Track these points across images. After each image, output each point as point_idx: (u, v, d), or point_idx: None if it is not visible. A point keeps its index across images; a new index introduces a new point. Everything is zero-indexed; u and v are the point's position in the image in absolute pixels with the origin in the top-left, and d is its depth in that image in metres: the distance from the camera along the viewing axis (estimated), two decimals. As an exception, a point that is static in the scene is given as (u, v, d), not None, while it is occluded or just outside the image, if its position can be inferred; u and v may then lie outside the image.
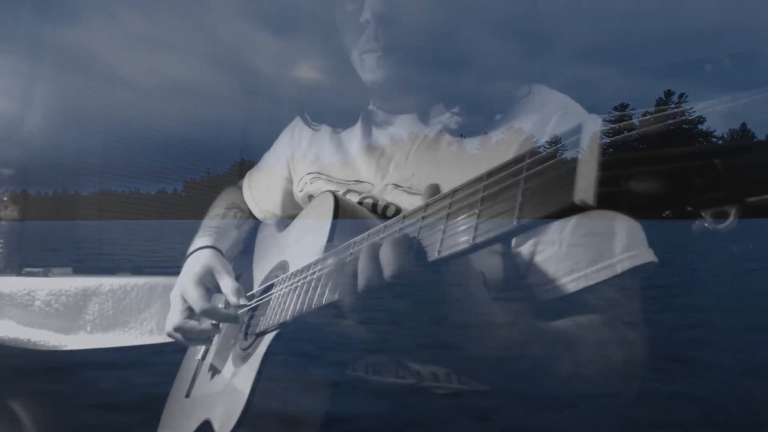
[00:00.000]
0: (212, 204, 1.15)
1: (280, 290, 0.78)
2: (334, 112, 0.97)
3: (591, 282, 0.74)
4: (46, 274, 1.60)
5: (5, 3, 1.85)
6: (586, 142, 0.38)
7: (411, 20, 0.82)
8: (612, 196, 0.36)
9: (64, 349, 1.41)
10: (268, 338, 0.75)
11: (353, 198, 0.86)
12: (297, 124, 1.04)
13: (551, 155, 0.41)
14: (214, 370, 0.90)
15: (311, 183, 0.94)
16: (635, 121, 0.38)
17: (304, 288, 0.69)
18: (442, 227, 0.50)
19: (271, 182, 1.06)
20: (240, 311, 0.87)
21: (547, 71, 0.86)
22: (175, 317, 0.91)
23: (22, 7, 1.86)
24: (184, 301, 0.91)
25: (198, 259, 0.95)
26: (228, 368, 0.85)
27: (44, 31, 1.88)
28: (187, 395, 0.94)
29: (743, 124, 0.39)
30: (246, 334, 0.85)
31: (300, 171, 0.99)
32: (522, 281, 0.78)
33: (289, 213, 1.04)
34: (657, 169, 0.35)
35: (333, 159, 0.94)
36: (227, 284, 0.90)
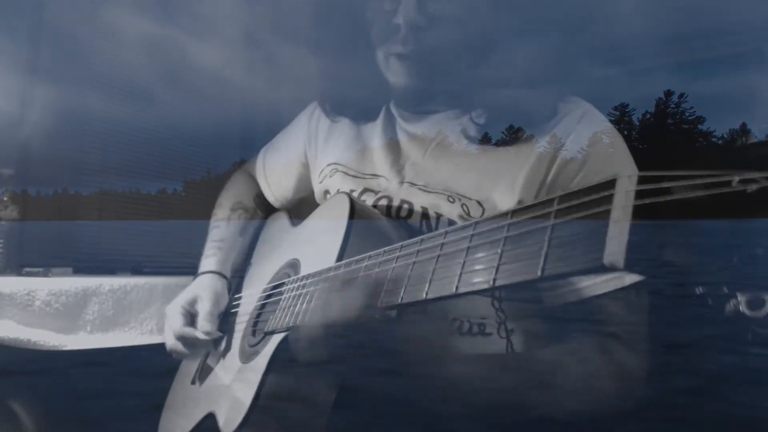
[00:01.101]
0: (218, 200, 1.15)
1: (291, 291, 0.78)
2: (355, 104, 0.97)
3: (598, 292, 0.75)
4: (46, 274, 1.60)
5: (5, 3, 1.85)
6: (619, 201, 0.36)
7: (443, 29, 0.82)
8: (642, 261, 0.34)
9: (64, 349, 1.41)
10: (276, 339, 0.75)
11: (369, 198, 0.86)
12: (315, 109, 1.03)
13: (581, 207, 0.39)
14: (221, 362, 0.89)
15: (330, 176, 0.94)
16: (673, 183, 0.36)
17: (316, 294, 0.69)
18: (462, 261, 0.48)
19: (287, 167, 1.07)
20: (211, 337, 0.91)
21: (551, 73, 0.86)
22: (167, 337, 0.95)
23: (22, 7, 1.86)
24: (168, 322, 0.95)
25: (194, 285, 1.00)
26: (234, 362, 0.85)
27: (44, 30, 1.88)
28: (193, 382, 0.94)
29: (743, 124, 0.39)
30: (255, 331, 0.84)
31: (319, 161, 0.99)
32: (530, 287, 0.79)
33: (301, 196, 1.05)
34: (691, 240, 0.34)
35: (352, 151, 0.94)
36: (203, 309, 0.94)
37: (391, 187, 0.85)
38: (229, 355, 0.88)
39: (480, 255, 0.47)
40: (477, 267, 0.47)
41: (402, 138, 0.90)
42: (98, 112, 1.89)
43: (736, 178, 0.34)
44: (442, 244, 0.52)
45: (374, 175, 0.88)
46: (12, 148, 1.90)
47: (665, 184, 0.35)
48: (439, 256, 0.52)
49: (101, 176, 1.97)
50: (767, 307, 0.36)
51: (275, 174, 1.10)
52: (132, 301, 1.48)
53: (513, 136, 0.82)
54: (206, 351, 0.93)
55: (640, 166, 0.77)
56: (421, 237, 0.56)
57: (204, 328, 0.91)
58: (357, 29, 0.90)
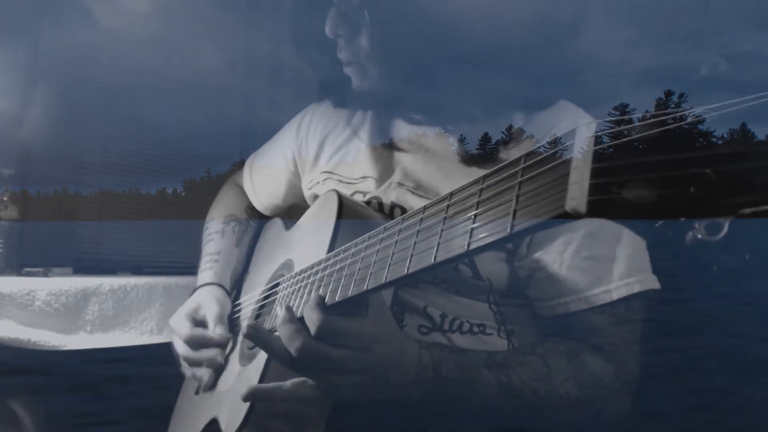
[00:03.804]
0: (209, 214, 1.15)
1: (285, 290, 0.78)
2: (346, 111, 0.97)
3: (587, 306, 0.75)
4: (46, 274, 1.60)
5: (5, 2, 1.85)
6: (579, 147, 0.37)
7: (382, 31, 0.83)
8: (604, 204, 0.35)
9: (64, 349, 1.41)
10: None
11: (359, 198, 0.86)
12: (304, 118, 1.03)
13: (546, 160, 0.40)
14: (222, 369, 0.90)
15: (323, 183, 0.94)
16: (633, 124, 0.37)
17: (307, 288, 0.69)
18: (439, 231, 0.49)
19: (275, 175, 1.07)
20: (222, 336, 0.90)
21: (547, 72, 0.86)
22: (176, 346, 0.94)
23: (22, 7, 1.86)
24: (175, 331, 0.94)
25: (195, 296, 0.99)
26: (234, 367, 0.85)
27: (44, 31, 1.89)
28: (197, 392, 0.94)
29: (743, 125, 0.39)
30: None
31: (309, 169, 0.99)
32: (524, 294, 0.79)
33: (290, 203, 1.05)
34: (650, 177, 0.34)
35: (342, 158, 0.94)
36: (210, 313, 0.94)
37: (380, 190, 0.86)
38: (230, 361, 0.88)
39: (455, 224, 0.48)
40: (452, 235, 0.48)
41: (389, 140, 0.90)
42: (98, 112, 1.89)
43: (691, 110, 0.35)
44: (421, 220, 0.53)
45: (363, 177, 0.89)
46: (12, 148, 1.90)
47: (622, 128, 0.36)
48: (418, 231, 0.53)
49: (101, 176, 1.97)
50: (724, 231, 0.37)
51: (263, 182, 1.10)
52: (132, 301, 1.48)
53: (494, 137, 0.82)
54: (217, 355, 0.92)
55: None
56: (402, 216, 0.57)
57: (215, 329, 0.91)
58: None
